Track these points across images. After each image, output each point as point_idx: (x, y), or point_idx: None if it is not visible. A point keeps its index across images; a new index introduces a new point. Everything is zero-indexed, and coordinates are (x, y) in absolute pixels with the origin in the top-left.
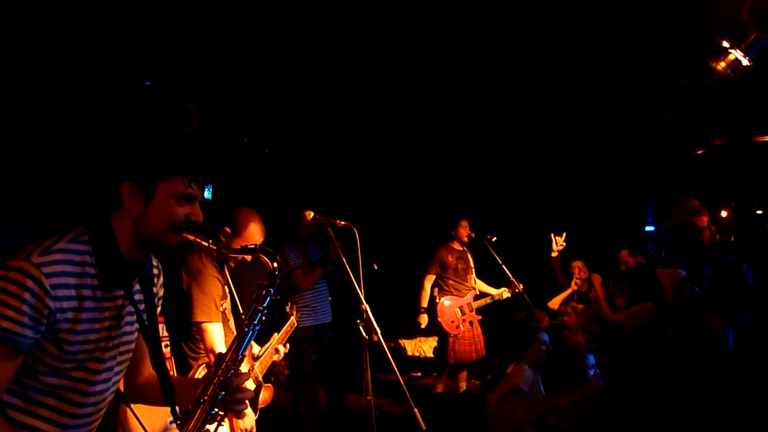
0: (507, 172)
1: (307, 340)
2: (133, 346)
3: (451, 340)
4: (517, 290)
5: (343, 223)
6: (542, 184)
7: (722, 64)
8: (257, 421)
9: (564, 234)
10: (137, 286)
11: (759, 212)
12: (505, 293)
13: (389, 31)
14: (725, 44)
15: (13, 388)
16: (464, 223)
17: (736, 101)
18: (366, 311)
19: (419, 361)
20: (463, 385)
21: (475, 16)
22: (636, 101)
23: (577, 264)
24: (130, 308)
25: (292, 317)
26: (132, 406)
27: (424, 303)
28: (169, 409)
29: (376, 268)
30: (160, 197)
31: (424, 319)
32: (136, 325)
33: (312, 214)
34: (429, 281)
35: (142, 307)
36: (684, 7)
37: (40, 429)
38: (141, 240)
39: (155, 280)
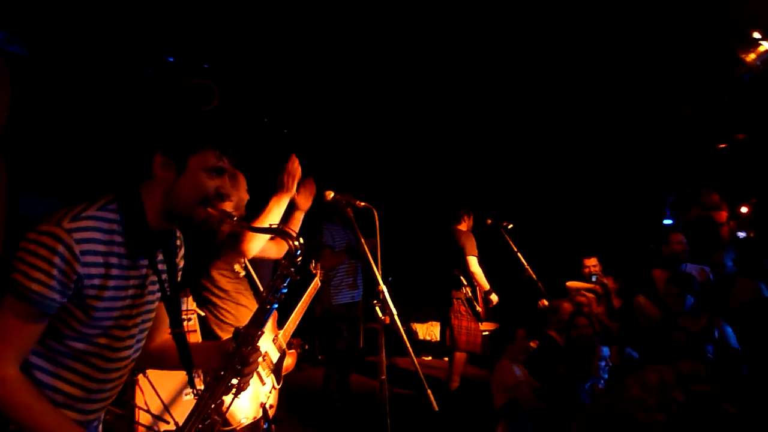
0: (527, 162)
1: (340, 317)
2: (154, 315)
3: (462, 329)
4: (526, 278)
5: (363, 204)
6: (563, 175)
7: (752, 56)
8: (286, 396)
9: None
10: (161, 257)
11: None
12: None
13: (412, 14)
14: (756, 35)
15: (41, 350)
16: (468, 214)
17: (762, 94)
18: (383, 292)
19: (430, 345)
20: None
21: (492, 6)
22: (659, 92)
23: (590, 261)
24: (154, 278)
25: (316, 278)
26: (147, 372)
27: (486, 285)
28: (180, 375)
29: (390, 279)
30: (192, 170)
31: (495, 298)
32: (158, 295)
33: (332, 194)
34: (475, 262)
35: (164, 277)
36: None
37: (65, 391)
38: (169, 212)
39: (178, 251)
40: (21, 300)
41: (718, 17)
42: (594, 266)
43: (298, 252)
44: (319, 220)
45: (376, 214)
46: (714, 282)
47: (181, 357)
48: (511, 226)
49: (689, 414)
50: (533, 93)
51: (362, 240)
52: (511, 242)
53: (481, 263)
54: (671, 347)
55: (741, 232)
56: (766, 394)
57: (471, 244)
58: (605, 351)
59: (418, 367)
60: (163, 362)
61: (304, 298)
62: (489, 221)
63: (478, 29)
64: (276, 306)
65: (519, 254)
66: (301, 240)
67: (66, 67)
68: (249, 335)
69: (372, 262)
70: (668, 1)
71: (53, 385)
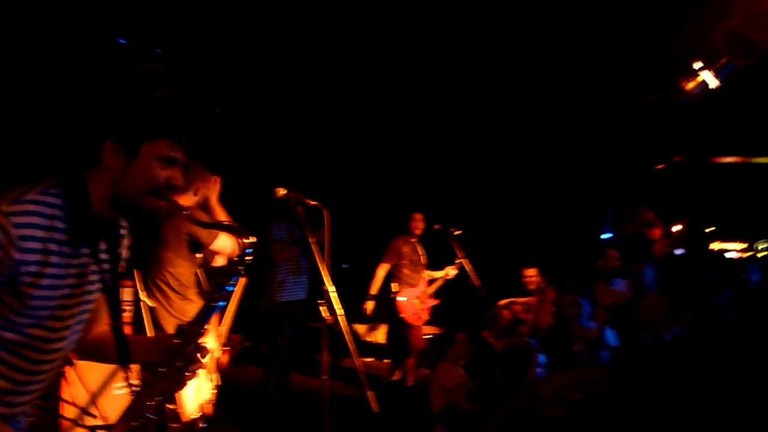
0: (475, 169)
1: (283, 315)
2: (92, 306)
3: (409, 330)
4: (458, 261)
5: (313, 202)
6: (508, 185)
7: (691, 84)
8: (225, 394)
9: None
10: (103, 246)
11: (708, 229)
12: (450, 271)
13: (372, 13)
14: (697, 65)
15: None
16: (418, 216)
17: (699, 121)
18: (327, 292)
19: (372, 346)
20: (412, 374)
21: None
22: (606, 112)
23: (530, 272)
24: (95, 267)
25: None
26: (78, 362)
27: (374, 290)
28: (109, 368)
29: (345, 267)
30: (143, 158)
31: (370, 306)
32: (98, 285)
33: (284, 191)
34: (383, 270)
35: (106, 267)
36: (659, 25)
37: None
38: (116, 200)
39: (122, 240)
40: None
41: (663, 44)
42: (532, 276)
43: (248, 249)
44: (266, 217)
45: (326, 213)
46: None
47: (119, 350)
48: (458, 232)
49: (584, 409)
50: (486, 100)
51: (309, 238)
52: (457, 248)
53: (429, 267)
54: (571, 354)
55: (678, 249)
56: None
57: (389, 251)
58: (542, 359)
59: (360, 369)
60: (99, 355)
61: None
62: (437, 226)
63: (435, 33)
64: (222, 303)
65: (464, 260)
66: (252, 238)
67: (6, 40)
68: (193, 332)
69: (319, 260)
70: (618, 25)
71: None
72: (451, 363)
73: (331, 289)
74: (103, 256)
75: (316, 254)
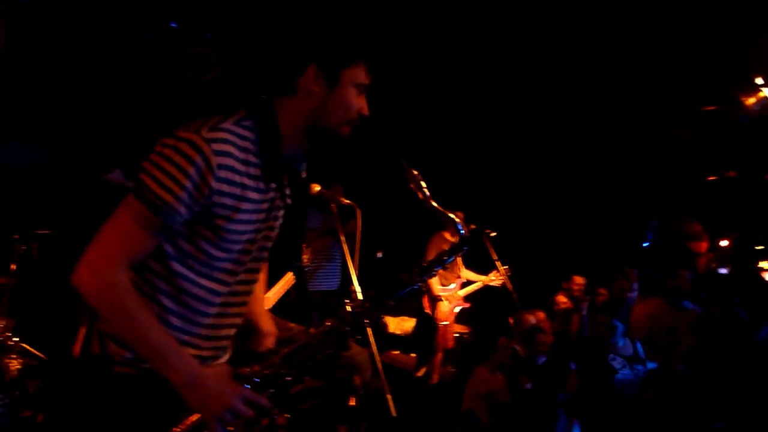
0: (519, 173)
1: (313, 304)
2: (273, 241)
3: (436, 328)
4: (503, 276)
5: (347, 201)
6: (553, 191)
7: (752, 100)
8: None
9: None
10: (286, 182)
11: (759, 247)
12: (494, 280)
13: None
14: (759, 81)
15: (165, 274)
16: (458, 215)
17: (757, 137)
18: (354, 292)
19: (399, 339)
20: (438, 372)
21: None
22: (659, 120)
23: (579, 280)
24: (280, 202)
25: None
26: None
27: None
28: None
29: (380, 256)
30: (344, 85)
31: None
32: (280, 222)
33: (318, 188)
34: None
35: (289, 202)
36: (724, 37)
37: (188, 317)
38: (313, 130)
39: (302, 174)
40: (147, 206)
41: (724, 57)
42: (580, 285)
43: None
44: (304, 206)
45: (359, 212)
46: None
47: (299, 293)
48: (494, 234)
49: None
50: (536, 100)
51: (340, 232)
52: (492, 250)
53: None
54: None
55: (722, 268)
56: None
57: (430, 247)
58: (572, 365)
59: (380, 369)
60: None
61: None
62: (473, 227)
63: (478, 35)
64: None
65: (498, 263)
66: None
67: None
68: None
69: (348, 256)
70: (678, 35)
71: (178, 311)
72: (490, 369)
73: (358, 289)
74: (287, 190)
75: (345, 249)
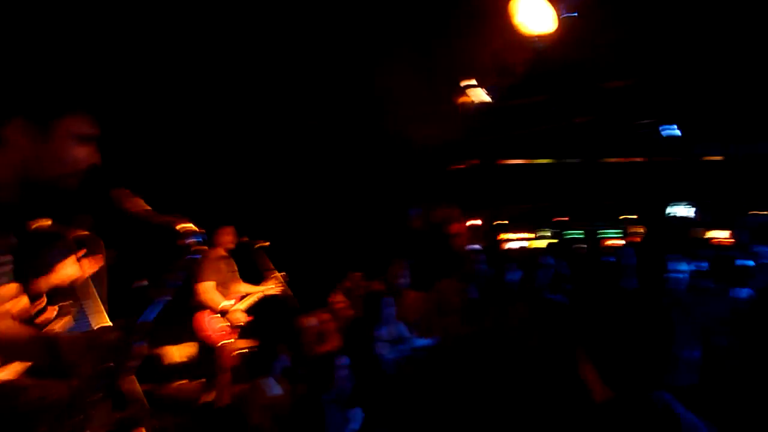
0: (283, 182)
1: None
2: None
3: (218, 348)
4: (276, 275)
5: (84, 233)
6: (315, 192)
7: (464, 99)
8: None
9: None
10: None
11: (498, 222)
12: (272, 288)
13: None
14: (468, 82)
15: None
16: (229, 230)
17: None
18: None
19: (185, 368)
20: (227, 392)
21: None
22: (404, 121)
23: (357, 276)
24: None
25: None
26: None
27: (219, 308)
28: None
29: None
30: (60, 137)
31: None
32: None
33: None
34: (211, 287)
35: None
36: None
37: None
38: (28, 182)
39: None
40: None
41: (452, 63)
42: (355, 281)
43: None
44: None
45: (101, 243)
46: None
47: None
48: (267, 244)
49: None
50: (285, 114)
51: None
52: (267, 260)
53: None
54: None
55: (475, 245)
56: None
57: (207, 268)
58: (344, 360)
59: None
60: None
61: None
62: (245, 239)
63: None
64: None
65: (274, 271)
66: None
67: None
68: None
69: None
70: (412, 45)
71: None
72: (270, 377)
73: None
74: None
75: (90, 287)
